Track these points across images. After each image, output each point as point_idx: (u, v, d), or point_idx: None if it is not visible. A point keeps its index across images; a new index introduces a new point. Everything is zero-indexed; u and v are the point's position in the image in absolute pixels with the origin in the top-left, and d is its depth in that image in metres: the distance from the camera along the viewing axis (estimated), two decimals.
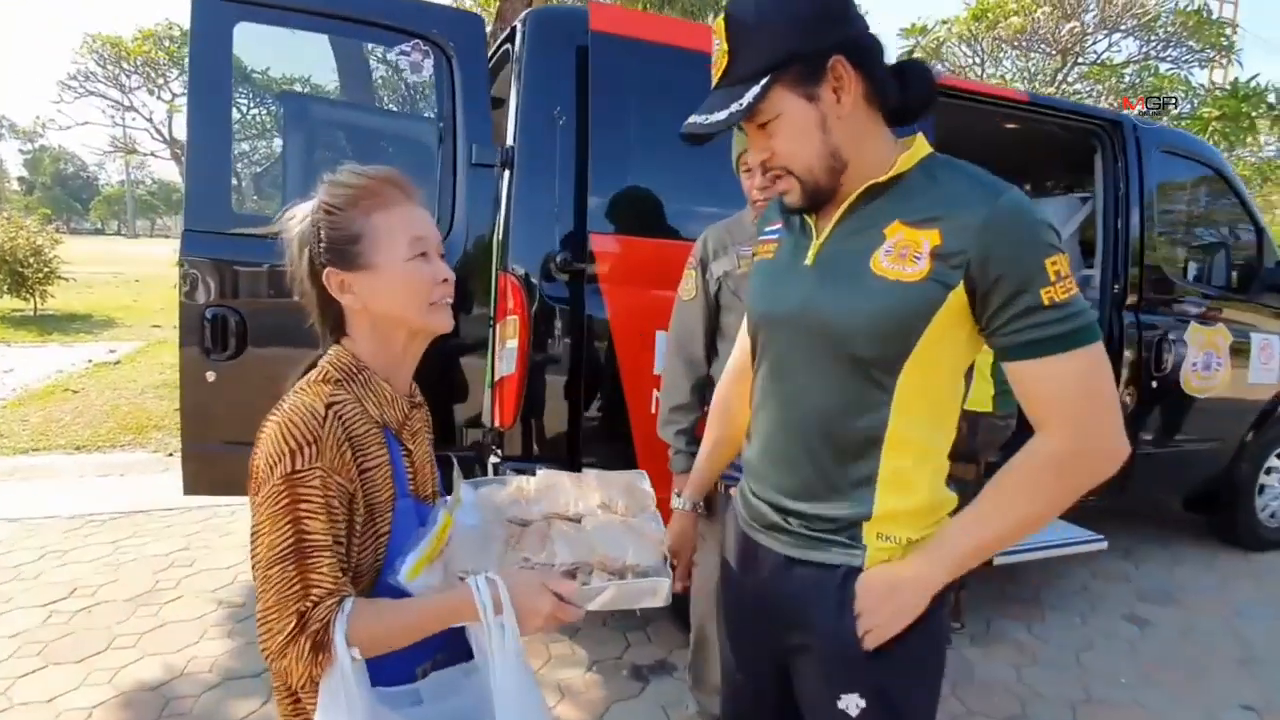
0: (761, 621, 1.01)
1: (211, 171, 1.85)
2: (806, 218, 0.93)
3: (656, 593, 0.90)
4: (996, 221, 0.78)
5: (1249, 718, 2.11)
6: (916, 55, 9.47)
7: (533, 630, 0.83)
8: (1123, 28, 10.27)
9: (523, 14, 2.07)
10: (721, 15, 0.85)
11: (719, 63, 0.85)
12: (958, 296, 0.80)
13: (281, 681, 0.84)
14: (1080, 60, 10.83)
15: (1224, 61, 10.73)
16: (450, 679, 0.92)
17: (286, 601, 0.74)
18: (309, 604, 0.74)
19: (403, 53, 1.96)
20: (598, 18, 1.93)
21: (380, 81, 2.24)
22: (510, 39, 2.14)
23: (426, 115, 2.25)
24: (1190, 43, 10.19)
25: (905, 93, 0.86)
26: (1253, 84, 8.50)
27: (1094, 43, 10.76)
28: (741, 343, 1.13)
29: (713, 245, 1.64)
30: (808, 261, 0.90)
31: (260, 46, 1.97)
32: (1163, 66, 10.70)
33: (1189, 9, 9.81)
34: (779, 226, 1.00)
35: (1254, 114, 8.56)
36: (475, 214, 2.01)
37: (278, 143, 2.25)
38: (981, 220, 0.78)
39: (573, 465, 1.96)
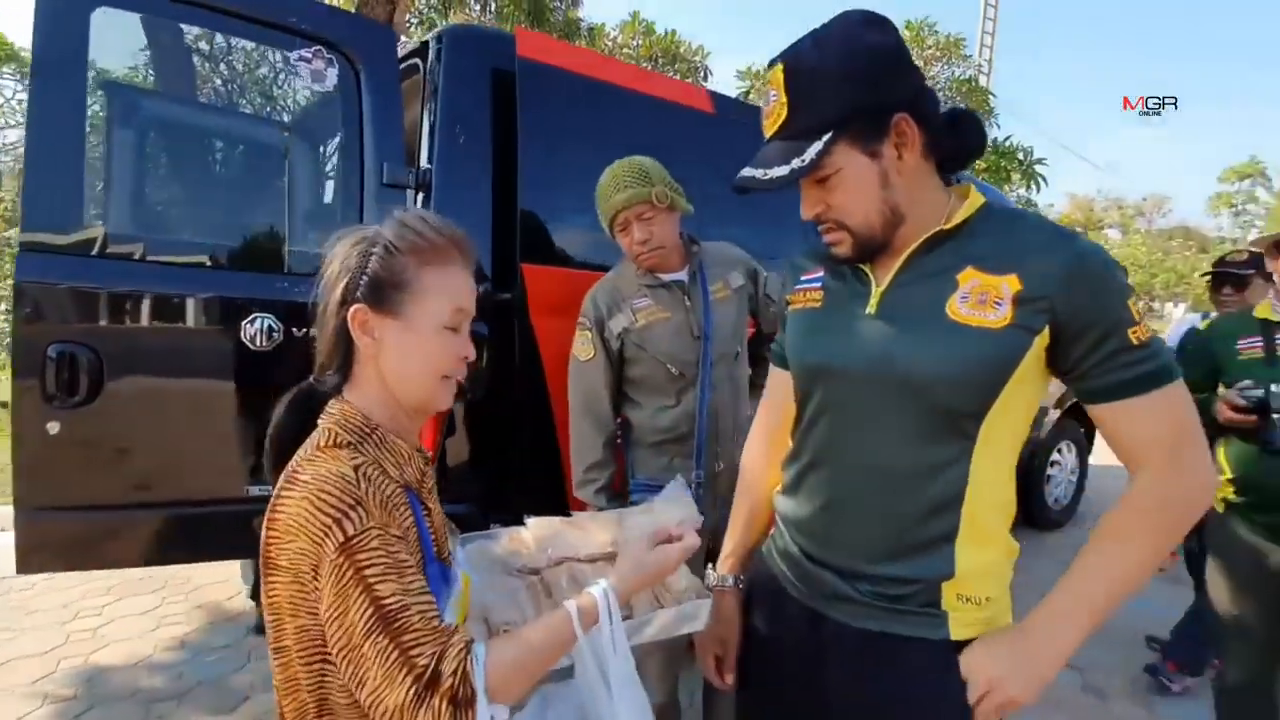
0: (818, 695, 0.94)
1: (58, 178, 1.53)
2: (863, 269, 0.90)
3: (698, 617, 0.90)
4: (1079, 267, 0.77)
5: (1072, 676, 2.53)
6: (753, 98, 10.30)
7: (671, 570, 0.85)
8: None
9: (437, 31, 1.97)
10: (779, 66, 0.82)
11: (776, 114, 0.82)
12: (1042, 341, 0.78)
13: None
14: None
15: (987, 123, 13.01)
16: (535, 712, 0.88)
17: (393, 673, 0.66)
18: (426, 660, 0.67)
19: (302, 58, 1.77)
20: (525, 44, 1.90)
21: (248, 85, 1.99)
22: (419, 55, 2.03)
23: (311, 128, 2.06)
24: (963, 106, 12.20)
25: (959, 142, 0.87)
26: (1007, 142, 10.38)
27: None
28: (777, 403, 1.07)
29: (604, 304, 1.64)
30: (870, 310, 0.87)
31: (123, 40, 1.67)
32: None
33: (962, 78, 11.75)
34: (820, 275, 0.96)
35: (1009, 167, 10.45)
36: None
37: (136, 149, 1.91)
38: (1063, 265, 0.77)
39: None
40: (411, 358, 0.81)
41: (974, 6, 13.84)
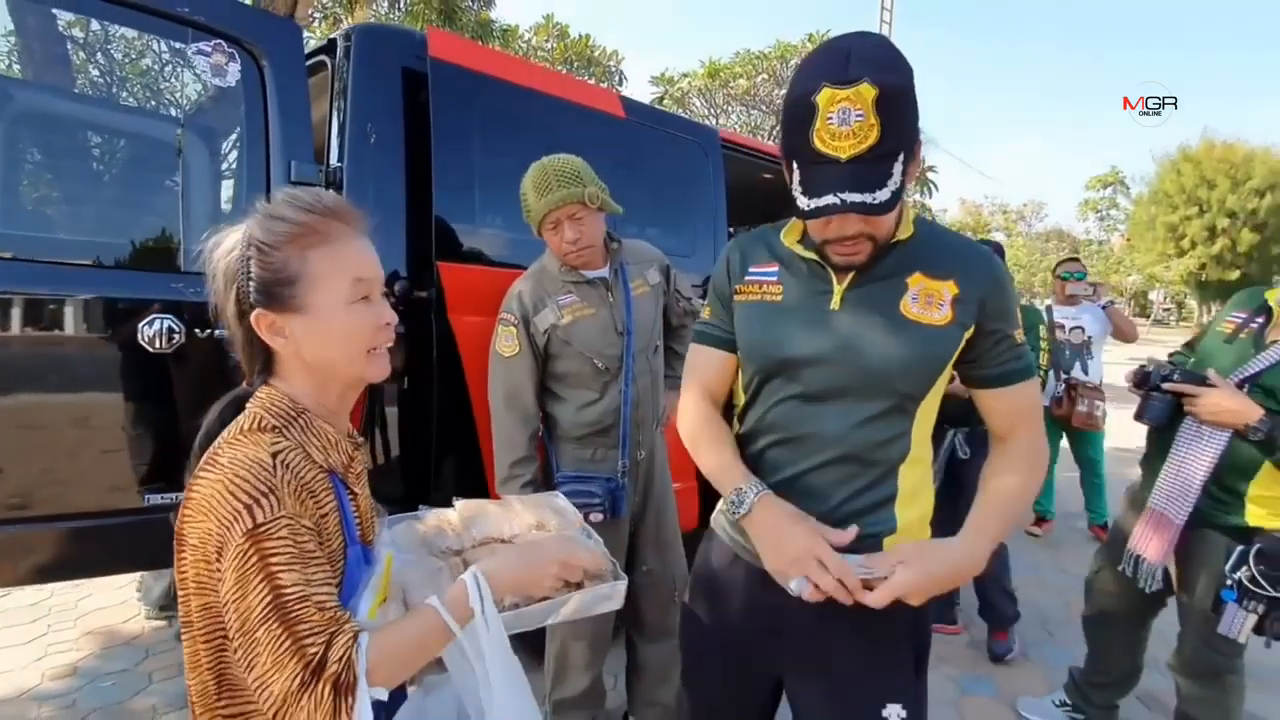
0: (767, 647, 1.06)
1: None
2: (822, 266, 0.99)
3: (613, 597, 0.95)
4: (997, 276, 0.97)
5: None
6: (666, 103, 10.56)
7: (545, 589, 0.85)
8: None
9: (345, 29, 1.95)
10: (863, 83, 0.80)
11: (862, 135, 0.81)
12: (968, 335, 0.96)
13: None
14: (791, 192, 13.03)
15: None
16: (415, 703, 0.89)
17: (282, 659, 0.68)
18: (315, 649, 0.68)
19: (201, 52, 1.71)
20: (436, 44, 1.91)
21: (141, 78, 1.90)
22: (326, 51, 2.00)
23: (213, 124, 1.98)
24: None
25: None
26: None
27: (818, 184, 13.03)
28: (709, 380, 1.14)
29: (530, 300, 1.67)
30: (834, 306, 0.97)
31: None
32: None
33: None
34: (774, 269, 1.04)
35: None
36: None
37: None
38: (988, 274, 0.96)
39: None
40: (329, 343, 0.81)
41: (871, 23, 14.70)
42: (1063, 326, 3.77)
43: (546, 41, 9.00)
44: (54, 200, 1.79)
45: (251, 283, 0.78)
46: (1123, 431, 4.95)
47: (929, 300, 0.95)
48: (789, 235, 1.06)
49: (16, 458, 1.52)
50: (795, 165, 0.88)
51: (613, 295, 1.71)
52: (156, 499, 1.67)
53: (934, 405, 1.01)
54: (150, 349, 1.61)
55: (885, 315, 0.95)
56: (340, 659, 0.69)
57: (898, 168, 0.84)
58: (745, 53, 11.28)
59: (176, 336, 1.64)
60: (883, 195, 0.83)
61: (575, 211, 1.59)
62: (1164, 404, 1.75)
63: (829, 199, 0.83)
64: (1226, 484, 1.64)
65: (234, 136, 1.82)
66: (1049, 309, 3.77)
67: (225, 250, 0.81)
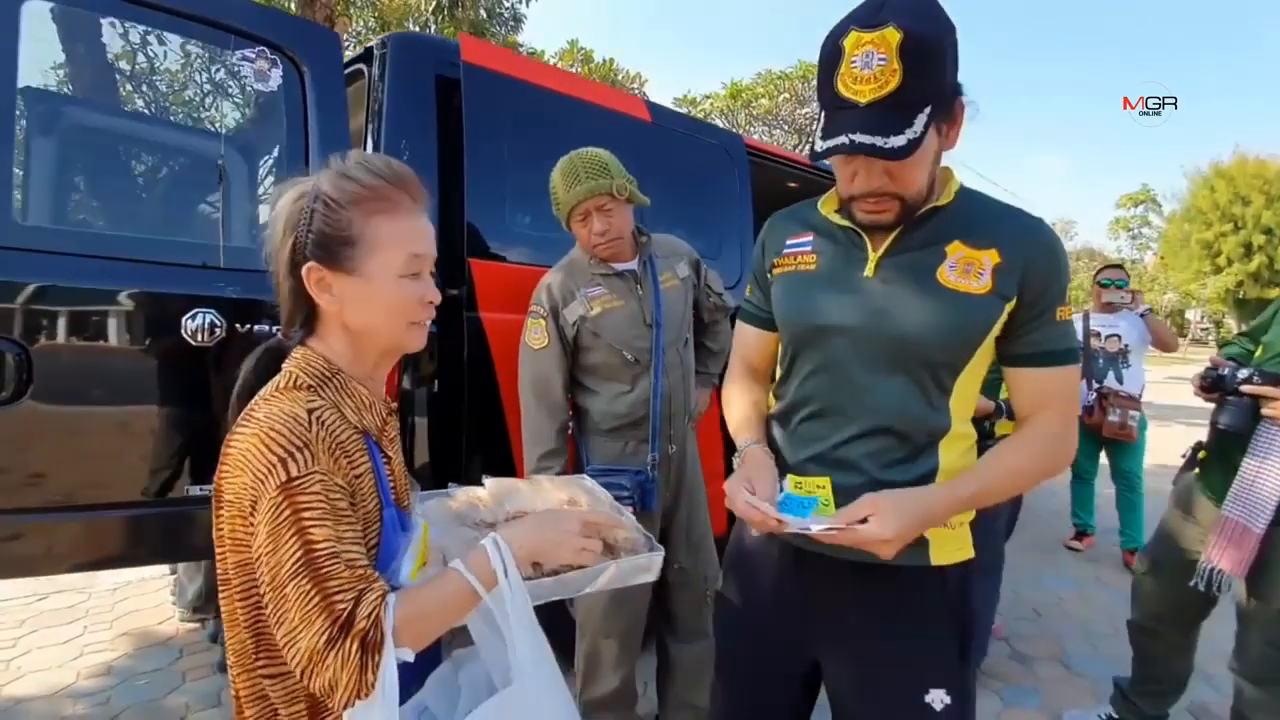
0: (802, 627, 1.03)
1: None
2: (856, 231, 0.96)
3: (650, 569, 0.93)
4: (1045, 245, 0.91)
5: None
6: None
7: (569, 555, 0.82)
8: None
9: (381, 37, 2.02)
10: (891, 28, 0.78)
11: (883, 80, 0.79)
12: (1009, 307, 0.90)
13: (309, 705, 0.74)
14: (812, 138, 13.09)
15: None
16: (446, 678, 0.88)
17: (310, 614, 0.68)
18: (344, 605, 0.68)
19: (245, 59, 1.78)
20: (469, 50, 1.96)
21: (186, 84, 1.98)
22: (363, 60, 2.06)
23: (255, 128, 2.05)
24: None
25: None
26: None
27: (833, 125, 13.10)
28: (750, 356, 1.16)
29: (559, 293, 1.68)
30: (867, 273, 0.94)
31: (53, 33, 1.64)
32: None
33: None
34: (809, 239, 1.03)
35: None
36: None
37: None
38: (1035, 242, 0.90)
39: None
40: (374, 310, 0.81)
41: None
42: (1098, 334, 3.67)
43: (571, 65, 9.20)
44: (108, 200, 1.86)
45: (310, 234, 0.78)
46: (1163, 448, 4.82)
47: (968, 268, 0.90)
48: (826, 204, 1.05)
49: (71, 447, 1.57)
50: (821, 113, 0.87)
51: (641, 288, 1.71)
52: (197, 491, 1.70)
53: (974, 381, 0.96)
54: (193, 342, 1.65)
55: (920, 283, 0.91)
56: (368, 616, 0.69)
57: (921, 119, 0.80)
58: (767, 73, 11.43)
59: (219, 330, 1.68)
60: (896, 141, 0.79)
61: (604, 203, 1.61)
62: (1243, 408, 1.65)
63: (841, 139, 0.81)
64: None
65: (276, 138, 1.88)
66: (1086, 316, 3.70)
67: (291, 198, 0.81)
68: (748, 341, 1.17)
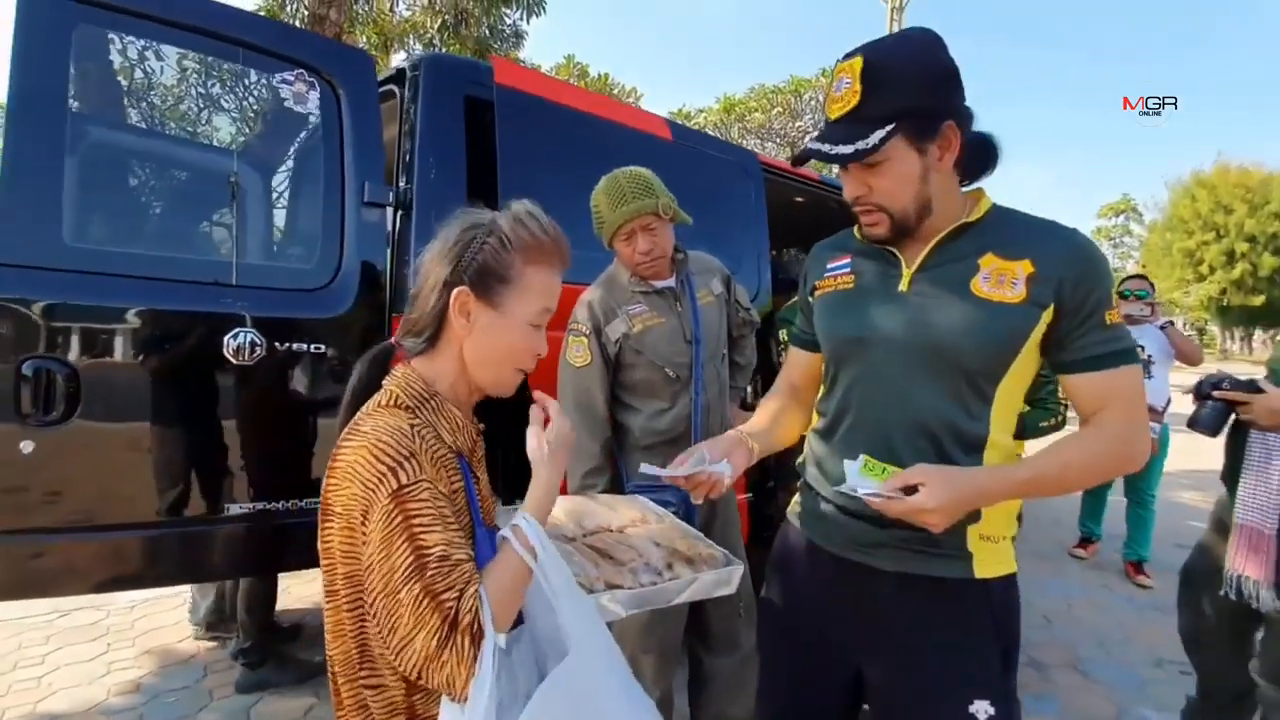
0: (844, 633, 1.05)
1: (34, 194, 1.50)
2: (890, 251, 1.02)
3: (730, 581, 0.98)
4: (1081, 251, 0.93)
5: None
6: None
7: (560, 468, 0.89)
8: None
9: (414, 59, 2.05)
10: (857, 56, 0.92)
11: (847, 99, 0.91)
12: (1047, 316, 0.92)
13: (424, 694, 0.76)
14: None
15: None
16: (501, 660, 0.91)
17: (423, 616, 0.71)
18: (450, 603, 0.72)
19: (284, 81, 1.81)
20: (502, 72, 2.01)
21: (230, 106, 2.01)
22: (395, 80, 2.10)
23: (294, 148, 2.08)
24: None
25: (982, 158, 1.00)
26: None
27: (811, 139, 13.27)
28: (793, 377, 1.23)
29: (601, 311, 1.70)
30: (902, 288, 0.99)
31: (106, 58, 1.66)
32: None
33: None
34: (846, 261, 1.09)
35: None
36: (366, 253, 1.90)
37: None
38: (1068, 249, 0.93)
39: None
40: (498, 347, 0.87)
41: None
42: None
43: (568, 79, 9.28)
44: (155, 220, 1.88)
45: (475, 262, 0.84)
46: (1183, 456, 4.85)
47: (1001, 279, 0.93)
48: (861, 229, 1.09)
49: (118, 465, 1.58)
50: None
51: (680, 305, 1.74)
52: (236, 509, 1.71)
53: (1017, 391, 0.98)
54: (234, 361, 1.67)
55: (954, 294, 0.95)
56: (471, 609, 0.73)
57: (878, 134, 0.89)
58: (760, 88, 11.60)
59: (259, 349, 1.70)
60: (844, 149, 0.90)
61: (649, 222, 1.64)
62: (1214, 411, 1.74)
63: (805, 148, 0.95)
64: None
65: (314, 159, 1.91)
66: None
67: (468, 224, 0.87)
68: (793, 362, 1.25)
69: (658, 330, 1.69)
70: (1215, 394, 1.73)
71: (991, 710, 0.94)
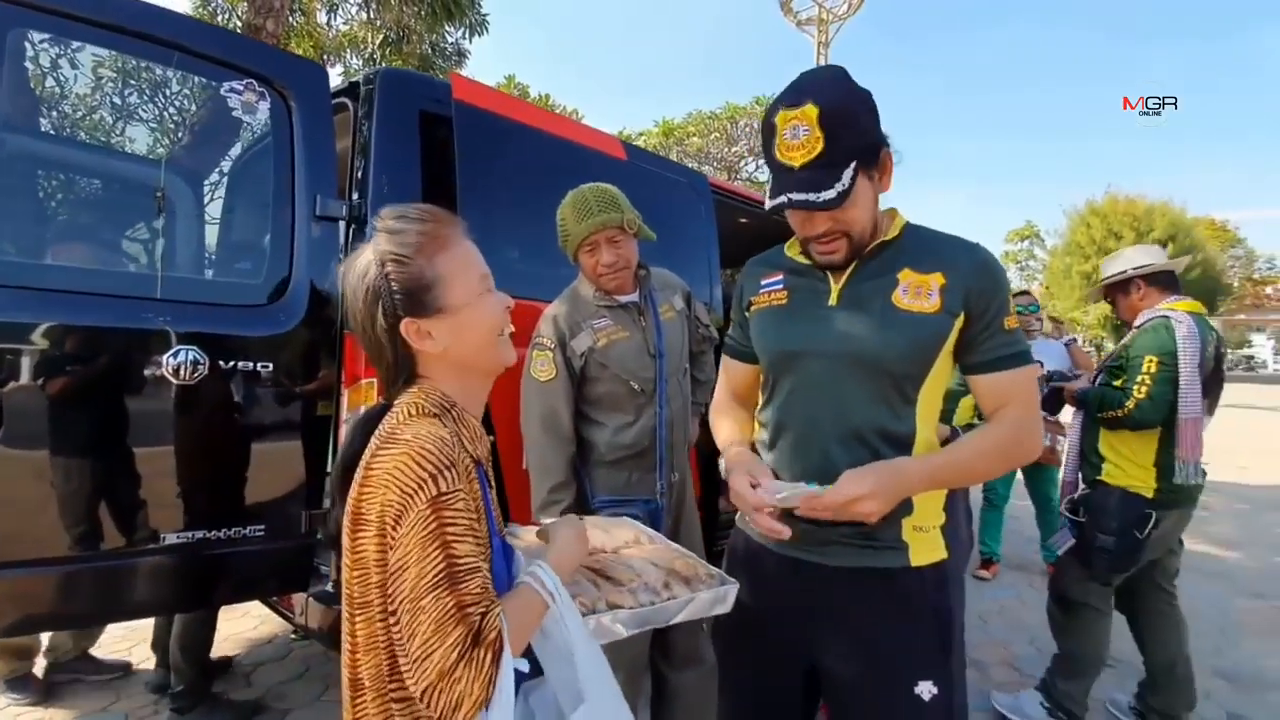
0: (800, 630, 1.11)
1: None
2: (820, 269, 1.10)
3: (726, 600, 0.98)
4: (984, 265, 1.04)
5: None
6: None
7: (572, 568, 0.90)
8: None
9: (368, 72, 2.02)
10: (809, 105, 0.96)
11: (809, 146, 0.95)
12: (958, 323, 1.03)
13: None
14: (738, 176, 13.68)
15: None
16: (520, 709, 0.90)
17: (446, 626, 0.71)
18: (475, 618, 0.72)
19: (233, 90, 1.75)
20: (460, 89, 2.00)
21: (175, 114, 1.91)
22: (348, 94, 2.05)
23: (242, 159, 2.00)
24: None
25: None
26: None
27: (746, 164, 13.74)
28: (733, 387, 1.29)
29: (565, 326, 1.71)
30: (831, 302, 1.08)
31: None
32: None
33: None
34: (780, 278, 1.16)
35: None
36: (317, 269, 1.83)
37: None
38: (974, 263, 1.04)
39: None
40: (473, 335, 0.87)
41: None
42: None
43: None
44: (87, 233, 1.76)
45: (396, 295, 0.83)
46: None
47: (918, 291, 1.04)
48: (791, 248, 1.19)
49: (43, 494, 1.45)
50: (770, 174, 1.03)
51: (644, 319, 1.77)
52: (174, 539, 1.60)
53: (937, 393, 1.08)
54: (175, 380, 1.57)
55: (878, 306, 1.04)
56: (494, 627, 0.73)
57: (847, 173, 0.96)
58: (697, 113, 11.94)
59: (201, 368, 1.61)
60: (828, 194, 0.96)
61: (614, 235, 1.67)
62: (1051, 393, 2.52)
63: (781, 199, 0.99)
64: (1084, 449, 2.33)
65: (261, 171, 1.84)
66: None
67: (360, 272, 0.85)
68: (732, 373, 1.30)
69: (622, 344, 1.71)
70: (1050, 384, 2.51)
71: (935, 690, 1.02)
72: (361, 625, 0.77)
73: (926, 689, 1.03)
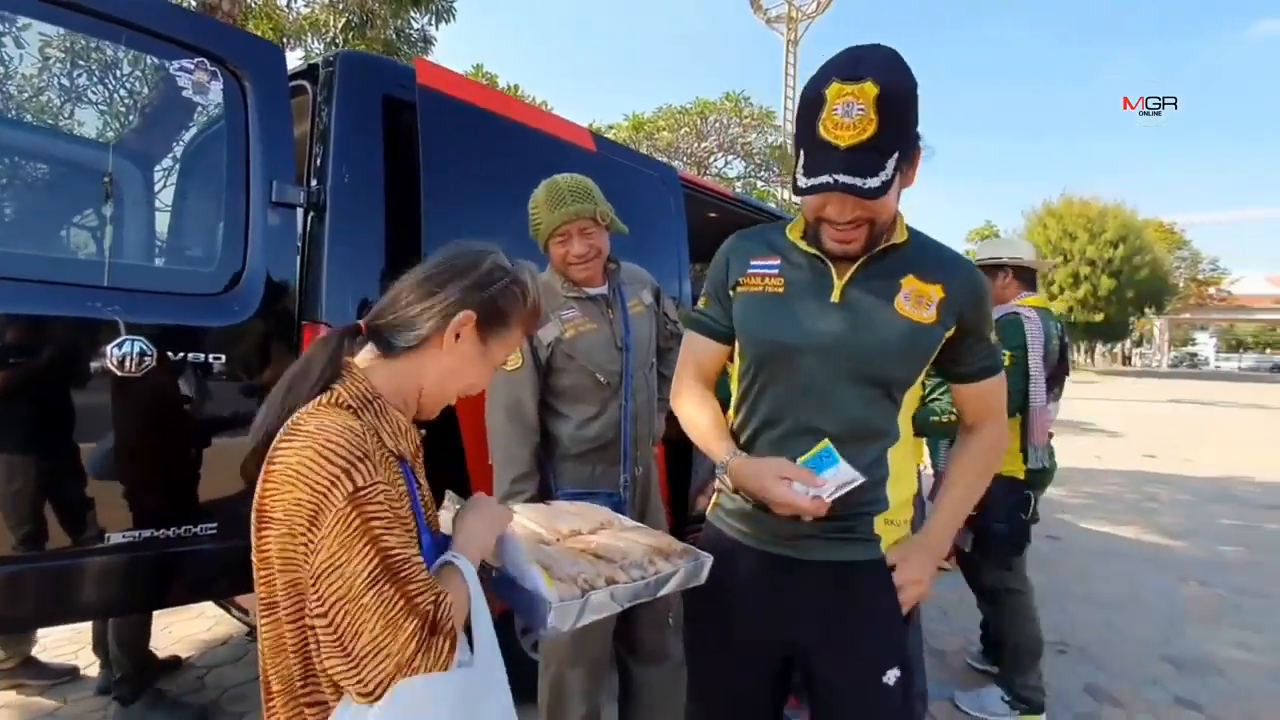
0: (777, 625, 1.11)
1: None
2: (822, 259, 1.06)
3: (700, 574, 1.02)
4: (979, 285, 1.07)
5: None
6: None
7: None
8: (734, 153, 13.39)
9: (328, 54, 1.95)
10: (869, 82, 0.89)
11: (861, 127, 0.90)
12: (948, 335, 1.06)
13: None
14: (707, 171, 13.73)
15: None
16: None
17: (397, 620, 0.68)
18: (428, 607, 0.70)
19: (184, 70, 1.67)
20: (424, 73, 1.94)
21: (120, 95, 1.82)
22: (306, 76, 1.98)
23: (192, 142, 1.91)
24: (775, 169, 13.80)
25: None
26: None
27: (715, 160, 13.80)
28: (702, 364, 1.24)
29: None
30: (834, 298, 1.05)
31: None
32: (759, 183, 14.22)
33: (775, 145, 13.29)
34: (775, 262, 1.11)
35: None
36: (274, 257, 1.77)
37: None
38: (970, 282, 1.06)
39: None
40: (464, 376, 0.90)
41: (777, 82, 15.79)
42: None
43: None
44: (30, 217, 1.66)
45: (494, 299, 0.88)
46: None
47: (919, 300, 1.04)
48: (793, 230, 1.14)
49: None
50: (801, 152, 0.97)
51: (612, 312, 1.75)
52: (119, 538, 1.53)
53: (916, 395, 1.12)
54: (119, 372, 1.50)
55: (881, 309, 1.04)
56: (447, 615, 0.72)
57: (891, 163, 0.91)
58: (668, 107, 11.95)
59: (148, 359, 1.54)
60: (873, 182, 0.90)
61: (586, 226, 1.65)
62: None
63: (825, 178, 0.92)
64: None
65: (214, 155, 1.76)
66: None
67: (489, 257, 0.90)
68: (700, 351, 1.23)
69: (590, 336, 1.69)
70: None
71: (898, 674, 1.07)
72: (268, 628, 0.74)
73: (893, 675, 1.06)
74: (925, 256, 1.07)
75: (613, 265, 1.80)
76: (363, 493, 0.70)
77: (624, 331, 1.75)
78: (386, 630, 0.67)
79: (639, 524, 1.10)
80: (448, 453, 1.90)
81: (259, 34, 7.01)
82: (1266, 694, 2.61)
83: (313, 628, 0.70)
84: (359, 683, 0.68)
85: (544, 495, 1.73)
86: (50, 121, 1.72)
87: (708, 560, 1.00)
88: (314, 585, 0.69)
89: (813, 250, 1.08)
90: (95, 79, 1.68)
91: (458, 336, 0.86)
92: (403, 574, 0.70)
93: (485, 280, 0.88)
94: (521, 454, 1.65)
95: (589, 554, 0.97)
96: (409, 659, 0.67)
